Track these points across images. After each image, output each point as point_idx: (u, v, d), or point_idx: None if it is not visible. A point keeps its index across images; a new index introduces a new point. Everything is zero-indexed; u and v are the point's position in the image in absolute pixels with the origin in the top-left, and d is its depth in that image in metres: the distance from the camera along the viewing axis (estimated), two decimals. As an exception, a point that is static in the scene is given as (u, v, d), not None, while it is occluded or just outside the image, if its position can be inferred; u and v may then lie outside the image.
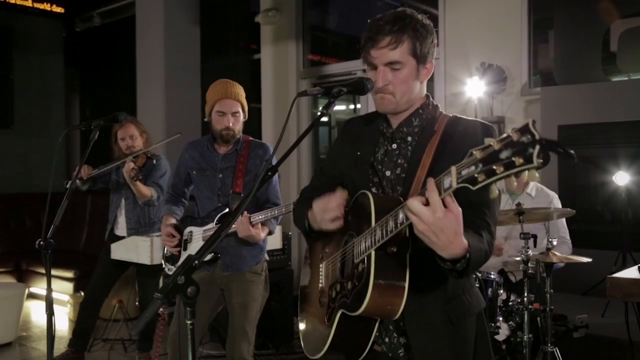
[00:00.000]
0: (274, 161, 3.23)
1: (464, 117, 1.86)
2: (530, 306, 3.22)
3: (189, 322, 1.41)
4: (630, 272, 2.53)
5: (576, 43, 5.50)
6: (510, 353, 3.43)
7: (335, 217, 1.81)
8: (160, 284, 4.03)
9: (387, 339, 1.85)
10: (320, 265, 1.99)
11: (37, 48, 8.83)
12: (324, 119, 8.33)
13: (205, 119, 3.31)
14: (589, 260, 3.27)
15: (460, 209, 1.44)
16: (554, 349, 3.31)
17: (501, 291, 3.42)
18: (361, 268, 1.68)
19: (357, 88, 1.74)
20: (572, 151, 1.18)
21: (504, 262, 3.70)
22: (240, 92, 3.26)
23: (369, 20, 1.81)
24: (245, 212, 2.94)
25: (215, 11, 7.96)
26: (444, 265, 1.54)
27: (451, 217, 1.41)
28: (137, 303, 5.34)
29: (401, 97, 1.80)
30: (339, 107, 8.20)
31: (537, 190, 3.83)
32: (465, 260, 1.51)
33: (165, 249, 3.32)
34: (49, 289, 2.60)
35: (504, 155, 1.22)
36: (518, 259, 3.36)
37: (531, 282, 3.26)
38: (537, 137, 1.17)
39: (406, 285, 1.63)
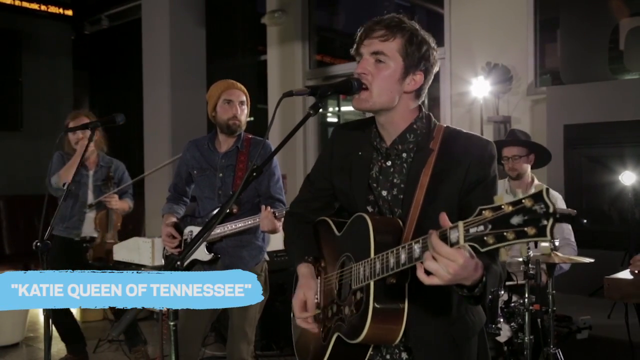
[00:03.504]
0: (276, 160, 3.28)
1: (460, 130, 1.81)
2: (530, 307, 3.19)
3: (171, 323, 1.41)
4: (627, 273, 2.50)
5: (583, 42, 5.46)
6: (513, 354, 3.40)
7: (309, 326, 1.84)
8: None
9: (388, 356, 1.83)
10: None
11: (46, 51, 8.90)
12: (334, 119, 8.33)
13: (211, 115, 3.32)
14: (591, 260, 3.23)
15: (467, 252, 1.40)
16: (557, 351, 3.27)
17: (502, 292, 3.39)
18: (359, 296, 1.67)
19: (344, 88, 1.71)
20: (584, 220, 1.19)
21: (507, 262, 3.67)
22: (244, 88, 3.32)
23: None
24: (269, 207, 2.96)
25: (221, 13, 7.98)
26: (461, 292, 1.53)
27: (466, 263, 1.39)
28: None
29: (378, 95, 1.72)
30: (348, 107, 8.20)
31: (540, 191, 3.79)
32: (482, 284, 1.49)
33: (165, 248, 3.32)
34: (47, 290, 2.60)
35: (515, 221, 1.21)
36: (520, 259, 3.33)
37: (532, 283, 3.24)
38: (551, 209, 1.16)
39: (405, 314, 1.62)
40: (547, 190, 1.18)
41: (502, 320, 3.33)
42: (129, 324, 4.37)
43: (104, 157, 4.66)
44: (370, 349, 1.73)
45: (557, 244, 3.31)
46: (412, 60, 1.73)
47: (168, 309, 1.42)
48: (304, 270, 1.90)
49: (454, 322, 1.75)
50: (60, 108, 9.12)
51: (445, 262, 1.38)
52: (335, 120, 8.14)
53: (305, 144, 7.14)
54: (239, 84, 3.31)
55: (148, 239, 3.80)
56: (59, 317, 4.43)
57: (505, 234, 1.21)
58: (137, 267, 3.77)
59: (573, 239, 3.85)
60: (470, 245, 1.30)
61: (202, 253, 3.15)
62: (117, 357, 4.96)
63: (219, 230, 3.10)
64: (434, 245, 1.38)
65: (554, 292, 3.29)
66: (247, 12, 7.94)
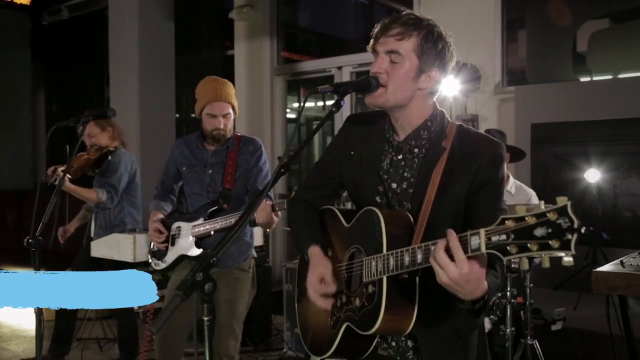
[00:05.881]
0: (263, 154, 3.29)
1: (471, 129, 1.86)
2: (513, 300, 3.29)
3: (206, 318, 1.41)
4: (613, 266, 2.61)
5: (548, 42, 5.63)
6: (492, 346, 3.50)
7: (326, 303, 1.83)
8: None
9: (393, 343, 1.87)
10: None
11: (3, 42, 8.65)
12: (293, 115, 8.34)
13: (198, 116, 3.29)
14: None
15: (485, 256, 1.46)
16: (534, 342, 3.39)
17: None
18: (371, 290, 1.71)
19: (363, 86, 1.75)
20: (606, 237, 1.22)
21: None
22: (231, 92, 3.26)
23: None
24: (269, 201, 2.94)
25: (189, 7, 7.89)
26: (463, 306, 1.58)
27: (476, 269, 1.44)
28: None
29: (393, 93, 1.75)
30: (309, 104, 8.21)
31: (517, 188, 3.91)
32: (484, 301, 1.55)
33: (152, 244, 3.29)
34: (37, 287, 2.55)
35: (538, 233, 1.24)
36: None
37: (513, 276, 3.34)
38: (575, 224, 1.19)
39: (415, 307, 1.67)
40: (572, 205, 1.22)
41: (482, 313, 3.42)
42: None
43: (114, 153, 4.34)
44: (377, 336, 1.78)
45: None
46: (428, 59, 1.75)
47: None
48: (317, 251, 1.91)
49: (459, 313, 1.78)
50: (17, 101, 8.87)
51: (452, 266, 1.43)
52: (293, 116, 8.12)
53: (272, 142, 7.15)
54: (225, 92, 3.21)
55: (129, 234, 3.73)
56: (65, 313, 4.37)
57: (528, 245, 1.25)
58: (118, 263, 3.70)
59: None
60: (491, 253, 1.34)
61: (191, 248, 3.13)
62: (87, 355, 4.86)
63: (209, 226, 3.09)
64: (453, 249, 1.42)
65: (531, 285, 3.41)
66: (215, 7, 7.87)
